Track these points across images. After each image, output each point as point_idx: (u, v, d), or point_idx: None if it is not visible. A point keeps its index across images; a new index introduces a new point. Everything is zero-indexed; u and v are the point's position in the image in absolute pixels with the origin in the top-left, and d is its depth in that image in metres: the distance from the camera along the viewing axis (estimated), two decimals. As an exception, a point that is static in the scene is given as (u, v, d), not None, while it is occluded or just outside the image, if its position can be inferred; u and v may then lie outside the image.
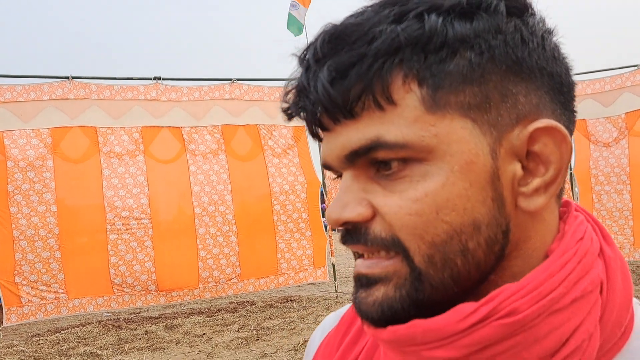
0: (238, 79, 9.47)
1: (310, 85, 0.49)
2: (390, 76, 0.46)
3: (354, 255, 0.53)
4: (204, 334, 7.57)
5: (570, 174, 11.27)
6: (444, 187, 0.47)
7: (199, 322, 8.31)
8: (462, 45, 0.47)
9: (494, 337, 0.46)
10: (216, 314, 8.83)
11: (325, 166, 0.54)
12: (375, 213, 0.49)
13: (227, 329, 7.74)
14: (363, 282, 0.51)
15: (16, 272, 8.00)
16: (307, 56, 0.51)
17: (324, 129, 0.51)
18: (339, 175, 0.53)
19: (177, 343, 7.24)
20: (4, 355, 7.07)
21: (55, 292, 8.19)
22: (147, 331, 7.90)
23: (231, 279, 9.17)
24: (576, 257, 0.49)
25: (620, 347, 0.49)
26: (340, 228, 0.51)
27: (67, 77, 8.47)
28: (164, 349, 7.01)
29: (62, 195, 8.29)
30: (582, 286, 0.48)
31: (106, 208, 8.47)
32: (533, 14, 0.50)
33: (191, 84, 9.28)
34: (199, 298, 9.11)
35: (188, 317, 8.72)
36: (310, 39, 0.52)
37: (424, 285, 0.48)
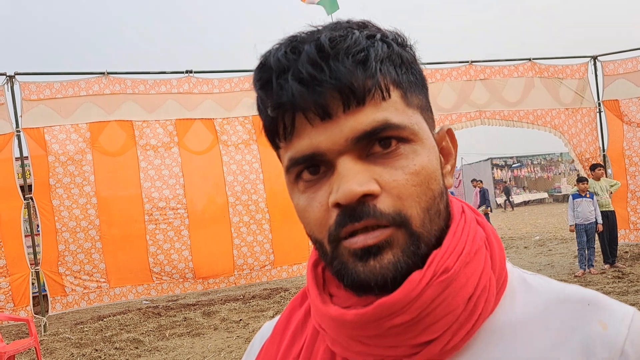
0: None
1: (326, 75, 0.56)
2: (386, 77, 0.59)
3: (346, 235, 0.59)
4: (241, 319, 7.76)
5: (604, 155, 11.10)
6: (429, 162, 0.61)
7: (235, 309, 8.51)
8: (410, 66, 0.63)
9: (436, 292, 0.58)
10: (251, 301, 9.03)
11: (314, 155, 0.59)
12: (381, 189, 0.58)
13: (263, 315, 7.92)
14: (373, 251, 0.58)
15: (60, 262, 8.30)
16: (306, 54, 0.57)
17: (326, 117, 0.58)
18: (309, 171, 0.61)
19: (215, 329, 7.45)
20: (50, 342, 7.35)
21: (97, 281, 8.48)
22: (185, 318, 8.13)
23: (265, 266, 9.35)
24: (466, 224, 0.64)
25: (505, 287, 0.65)
26: (337, 211, 0.59)
27: (103, 73, 8.69)
28: (203, 334, 7.22)
29: (102, 187, 8.55)
30: (477, 242, 0.63)
31: (144, 199, 8.71)
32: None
33: (221, 76, 9.42)
34: (234, 285, 9.32)
35: (224, 304, 8.93)
36: (281, 46, 0.60)
37: (420, 244, 0.59)
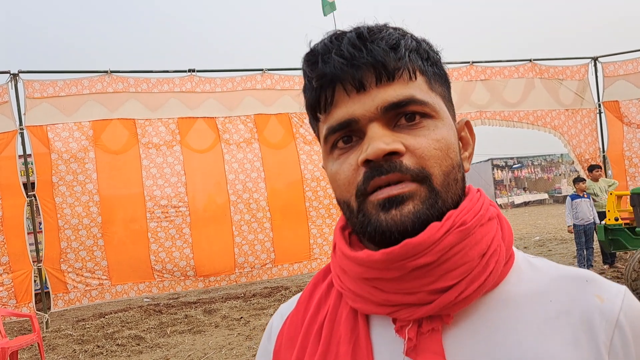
0: (269, 69, 9.64)
1: (363, 53, 0.68)
2: (414, 62, 0.71)
3: (372, 190, 0.68)
4: (242, 317, 7.81)
5: (603, 155, 11.13)
6: (448, 135, 0.71)
7: (236, 307, 8.55)
8: (434, 62, 0.74)
9: (455, 241, 0.66)
10: (252, 299, 9.07)
11: (349, 121, 0.70)
12: (406, 150, 0.68)
13: (264, 313, 7.96)
14: (396, 201, 0.67)
15: (62, 259, 8.35)
16: (347, 37, 0.70)
17: (361, 89, 0.69)
18: (343, 140, 0.71)
19: (216, 326, 7.49)
20: (52, 338, 7.39)
21: (99, 278, 8.53)
22: (186, 315, 8.17)
23: (266, 264, 9.39)
24: (481, 198, 0.73)
25: (512, 263, 0.73)
26: (368, 166, 0.69)
27: (106, 72, 8.74)
28: (204, 331, 7.26)
29: (104, 185, 8.60)
30: (490, 212, 0.72)
31: (146, 197, 8.76)
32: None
33: (224, 75, 9.47)
34: (235, 283, 9.36)
35: (225, 302, 8.98)
36: (327, 36, 0.73)
37: (439, 200, 0.68)
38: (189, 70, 9.17)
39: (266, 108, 9.48)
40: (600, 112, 11.28)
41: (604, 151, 11.17)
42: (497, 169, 33.46)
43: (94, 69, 8.84)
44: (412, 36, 0.73)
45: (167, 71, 9.18)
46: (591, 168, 9.64)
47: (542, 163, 33.87)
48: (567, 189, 30.11)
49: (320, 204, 9.71)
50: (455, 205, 0.70)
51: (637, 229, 7.65)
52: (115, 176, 8.65)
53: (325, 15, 10.10)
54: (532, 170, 33.46)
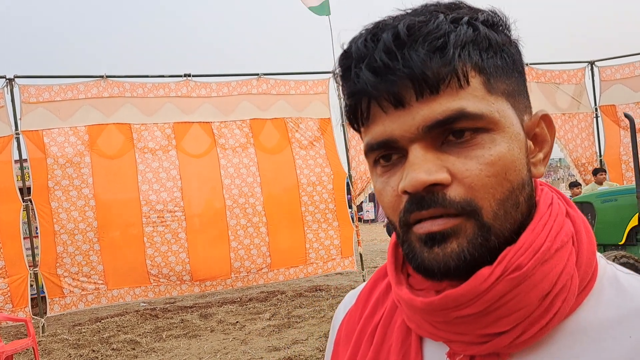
0: (265, 74, 9.66)
1: (400, 64, 0.57)
2: (466, 63, 0.58)
3: (415, 221, 0.60)
4: (237, 322, 7.80)
5: (600, 160, 11.15)
6: (508, 152, 0.59)
7: (232, 311, 8.54)
8: (499, 49, 0.61)
9: (506, 289, 0.57)
10: (248, 303, 9.06)
11: (388, 142, 0.60)
12: (453, 179, 0.58)
13: (259, 317, 7.95)
14: (437, 238, 0.58)
15: (58, 264, 8.35)
16: (383, 42, 0.58)
17: (399, 105, 0.59)
18: (384, 158, 0.62)
19: (212, 331, 7.48)
20: (48, 343, 7.38)
21: (95, 283, 8.53)
22: (182, 320, 8.16)
23: (262, 268, 9.40)
24: (551, 217, 0.62)
25: (591, 286, 0.63)
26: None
27: (102, 76, 8.76)
28: (200, 336, 7.26)
29: (100, 190, 8.61)
30: (560, 239, 0.60)
31: (142, 202, 8.77)
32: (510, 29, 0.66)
33: (220, 80, 9.50)
34: (231, 287, 9.36)
35: (221, 306, 8.97)
36: (364, 33, 0.61)
37: (491, 235, 0.58)
38: (185, 75, 9.20)
39: (262, 113, 9.51)
40: (597, 116, 11.30)
41: (600, 155, 11.18)
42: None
43: (89, 73, 8.83)
44: (469, 20, 0.60)
45: (162, 76, 9.20)
46: (595, 171, 9.64)
47: (541, 167, 33.90)
48: (565, 193, 30.12)
49: (317, 209, 9.71)
50: (517, 234, 0.60)
51: None
52: (111, 181, 8.67)
53: (320, 14, 10.08)
54: (531, 174, 33.47)
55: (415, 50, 0.57)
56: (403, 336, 0.68)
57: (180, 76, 9.21)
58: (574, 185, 9.22)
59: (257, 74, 9.62)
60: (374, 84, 0.58)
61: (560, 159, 32.29)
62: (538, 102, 10.89)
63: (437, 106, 0.57)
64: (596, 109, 11.24)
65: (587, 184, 10.71)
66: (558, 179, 33.40)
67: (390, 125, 0.59)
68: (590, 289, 0.62)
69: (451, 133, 0.58)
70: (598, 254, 0.66)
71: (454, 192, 0.58)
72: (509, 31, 0.63)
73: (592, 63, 11.27)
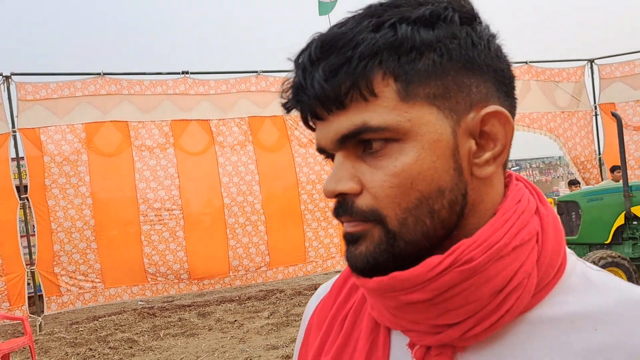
0: (264, 71, 9.62)
1: (308, 83, 0.59)
2: (372, 74, 0.57)
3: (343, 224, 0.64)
4: (236, 320, 7.77)
5: (599, 158, 11.13)
6: (416, 162, 0.58)
7: (230, 310, 8.52)
8: (427, 49, 0.58)
9: (455, 280, 0.58)
10: (246, 302, 9.04)
11: (320, 149, 0.64)
12: (363, 188, 0.60)
13: (258, 316, 7.93)
14: (349, 239, 0.62)
15: (55, 262, 8.32)
16: (302, 59, 0.60)
17: (319, 119, 0.61)
18: (330, 157, 0.65)
19: (209, 329, 7.45)
20: (45, 341, 7.36)
21: (92, 281, 8.50)
22: (180, 318, 8.14)
23: (260, 267, 9.36)
24: (515, 214, 0.61)
25: (554, 284, 0.62)
26: (333, 200, 0.64)
27: (99, 74, 8.73)
28: (198, 335, 7.23)
29: (97, 188, 8.58)
30: (521, 237, 0.60)
31: (139, 200, 8.74)
32: (480, 22, 0.62)
33: (218, 77, 9.46)
34: (229, 286, 9.34)
35: (219, 305, 8.94)
36: (303, 46, 0.62)
37: (398, 242, 0.59)
38: (183, 73, 9.16)
39: (260, 110, 9.47)
40: (596, 115, 11.29)
41: (600, 153, 11.16)
42: (496, 172, 33.43)
43: (86, 71, 8.80)
44: (395, 21, 0.58)
45: (160, 73, 9.17)
46: (613, 168, 9.58)
47: (540, 166, 33.89)
48: (565, 191, 30.08)
49: (316, 207, 9.68)
50: (448, 235, 0.61)
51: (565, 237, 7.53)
52: (108, 179, 8.64)
53: (320, 14, 10.05)
54: (530, 172, 33.47)
55: (318, 68, 0.58)
56: (373, 324, 0.69)
57: (178, 73, 9.17)
58: (572, 183, 9.19)
59: (256, 71, 9.58)
60: (296, 102, 0.61)
61: (560, 157, 32.27)
62: (537, 100, 10.87)
63: (345, 120, 0.59)
64: (595, 107, 11.22)
65: (586, 182, 10.68)
66: (557, 177, 33.36)
67: (319, 134, 0.62)
68: (554, 285, 0.62)
69: (361, 143, 0.60)
70: (568, 250, 0.66)
71: (362, 201, 0.60)
72: (454, 23, 0.60)
73: (591, 61, 11.25)
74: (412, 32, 0.58)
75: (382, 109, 0.58)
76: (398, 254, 0.60)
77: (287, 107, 0.63)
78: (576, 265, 0.64)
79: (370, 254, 0.60)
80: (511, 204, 0.62)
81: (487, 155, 0.61)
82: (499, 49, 0.63)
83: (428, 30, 0.58)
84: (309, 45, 0.61)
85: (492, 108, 0.61)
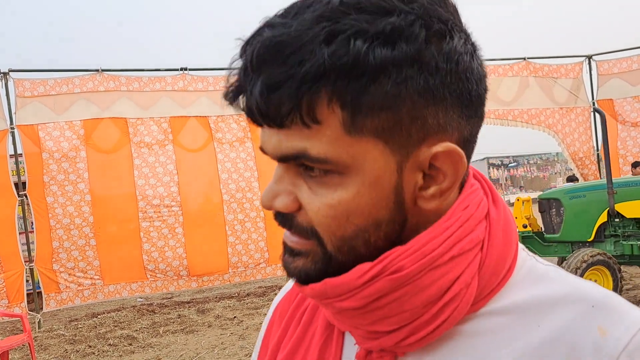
0: (262, 68, 9.60)
1: (248, 88, 0.52)
2: (316, 99, 0.50)
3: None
4: (235, 317, 7.78)
5: (598, 154, 11.15)
6: (354, 198, 0.54)
7: (230, 306, 8.53)
8: (380, 74, 0.50)
9: (385, 289, 0.55)
10: (246, 298, 9.05)
11: (263, 150, 0.58)
12: (300, 206, 0.56)
13: (257, 312, 7.94)
14: (288, 251, 0.60)
15: (54, 259, 8.31)
16: (245, 57, 0.53)
17: (260, 125, 0.55)
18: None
19: (209, 326, 7.46)
20: (44, 338, 7.37)
21: (91, 278, 8.50)
22: (180, 315, 8.15)
23: (260, 263, 9.37)
24: (457, 222, 0.57)
25: (504, 284, 0.60)
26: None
27: (97, 70, 8.70)
28: (197, 331, 7.23)
29: (96, 185, 8.57)
30: (460, 246, 0.57)
31: (138, 197, 8.73)
32: (452, 37, 0.54)
33: (217, 74, 9.44)
34: (228, 283, 9.35)
35: (219, 302, 8.95)
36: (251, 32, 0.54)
37: (333, 263, 0.57)
38: (181, 69, 9.15)
39: (259, 107, 9.46)
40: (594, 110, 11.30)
41: (598, 149, 11.18)
42: (493, 168, 33.57)
43: (84, 67, 8.77)
44: (351, 34, 0.50)
45: (159, 69, 9.15)
46: (635, 164, 9.56)
47: (538, 162, 34.00)
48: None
49: (315, 203, 9.69)
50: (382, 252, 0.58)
51: (546, 235, 7.47)
52: (107, 175, 8.63)
53: None
54: (528, 168, 33.58)
55: (258, 79, 0.51)
56: (328, 321, 0.68)
57: (177, 70, 9.15)
58: (571, 179, 9.20)
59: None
60: (234, 98, 0.54)
61: (557, 153, 32.35)
62: (535, 96, 10.88)
63: (285, 140, 0.53)
64: (593, 103, 11.23)
65: (584, 178, 10.71)
66: (555, 173, 33.48)
67: (263, 136, 0.57)
68: (501, 288, 0.60)
69: (301, 166, 0.55)
70: (520, 246, 0.63)
71: (302, 218, 0.57)
72: (417, 41, 0.52)
73: (589, 57, 11.26)
74: (366, 52, 0.50)
75: (325, 139, 0.52)
76: (331, 273, 0.58)
77: (228, 99, 0.56)
78: (526, 261, 0.63)
79: (306, 269, 0.58)
80: (457, 211, 0.58)
81: (433, 189, 0.57)
82: (469, 68, 0.55)
83: (386, 50, 0.50)
84: (254, 41, 0.53)
85: (443, 147, 0.55)
